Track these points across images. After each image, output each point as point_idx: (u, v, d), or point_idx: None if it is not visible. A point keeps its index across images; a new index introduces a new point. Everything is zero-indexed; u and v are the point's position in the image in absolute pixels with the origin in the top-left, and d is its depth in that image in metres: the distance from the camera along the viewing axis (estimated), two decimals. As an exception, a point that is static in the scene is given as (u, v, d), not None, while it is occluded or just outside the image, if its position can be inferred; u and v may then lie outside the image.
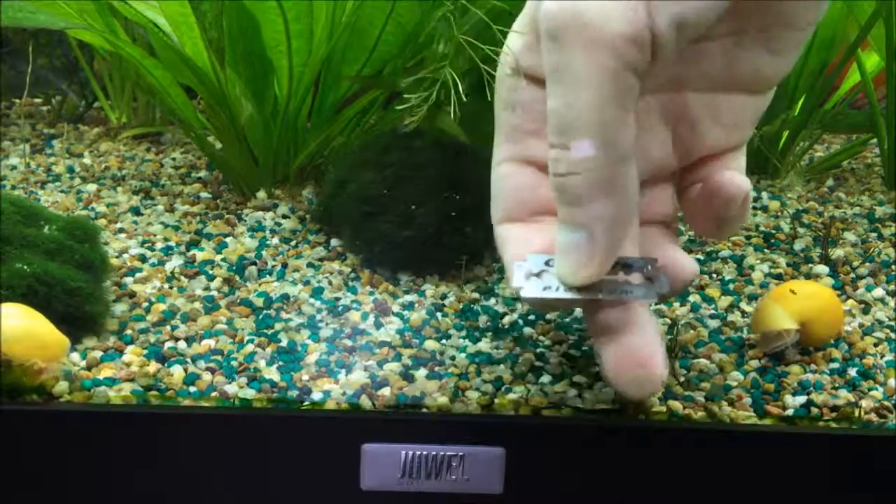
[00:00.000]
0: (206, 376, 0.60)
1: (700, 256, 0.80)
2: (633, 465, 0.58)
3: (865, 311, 0.73)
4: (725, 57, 0.55)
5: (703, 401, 0.60)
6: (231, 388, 0.59)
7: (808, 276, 0.78)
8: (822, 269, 0.79)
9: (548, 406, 0.59)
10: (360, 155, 0.78)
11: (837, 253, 0.82)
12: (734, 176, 0.56)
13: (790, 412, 0.60)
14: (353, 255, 0.77)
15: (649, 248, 0.57)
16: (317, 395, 0.59)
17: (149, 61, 0.82)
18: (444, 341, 0.66)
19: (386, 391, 0.59)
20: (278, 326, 0.67)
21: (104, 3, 0.82)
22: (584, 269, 0.52)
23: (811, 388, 0.62)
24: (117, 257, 0.75)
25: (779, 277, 0.77)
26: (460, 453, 0.57)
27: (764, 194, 0.96)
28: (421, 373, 0.62)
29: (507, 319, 0.69)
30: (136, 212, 0.85)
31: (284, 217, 0.84)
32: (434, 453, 0.57)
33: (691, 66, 0.55)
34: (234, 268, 0.74)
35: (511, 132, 0.58)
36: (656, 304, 0.57)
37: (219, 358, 0.62)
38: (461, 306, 0.71)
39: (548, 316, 0.70)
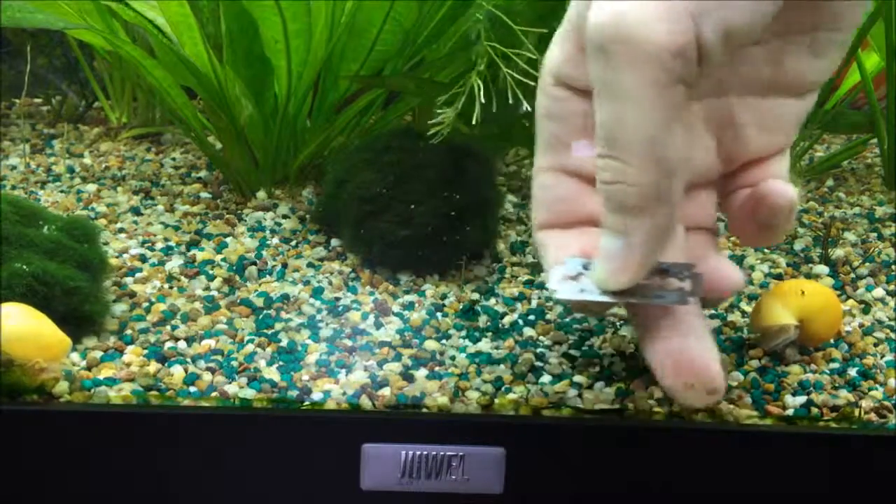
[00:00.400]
0: (206, 376, 0.60)
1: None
2: (633, 465, 0.58)
3: (865, 311, 0.73)
4: (768, 61, 0.55)
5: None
6: (231, 388, 0.59)
7: (808, 276, 0.78)
8: (822, 269, 0.79)
9: (548, 406, 0.59)
10: (359, 155, 0.78)
11: (837, 253, 0.82)
12: (780, 185, 0.56)
13: (790, 412, 0.60)
14: (353, 255, 0.77)
15: (692, 255, 0.57)
16: (317, 395, 0.59)
17: (149, 61, 0.82)
18: (444, 341, 0.66)
19: (386, 391, 0.59)
20: (278, 326, 0.67)
21: (104, 4, 0.82)
22: (619, 275, 0.52)
23: (811, 388, 0.62)
24: (117, 257, 0.75)
25: (779, 277, 0.77)
26: (460, 453, 0.57)
27: (764, 194, 0.96)
28: (421, 373, 0.62)
29: (507, 319, 0.69)
30: (136, 212, 0.85)
31: (284, 217, 0.84)
32: (434, 453, 0.57)
33: (734, 70, 0.55)
34: (234, 268, 0.74)
35: (553, 141, 0.58)
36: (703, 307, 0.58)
37: (219, 358, 0.62)
38: (461, 306, 0.71)
39: (548, 316, 0.70)
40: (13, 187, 0.90)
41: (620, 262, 0.52)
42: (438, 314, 0.70)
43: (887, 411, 0.60)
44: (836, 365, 0.65)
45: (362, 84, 0.86)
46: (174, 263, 0.75)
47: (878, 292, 0.75)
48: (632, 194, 0.49)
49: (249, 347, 0.64)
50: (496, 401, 0.59)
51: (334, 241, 0.79)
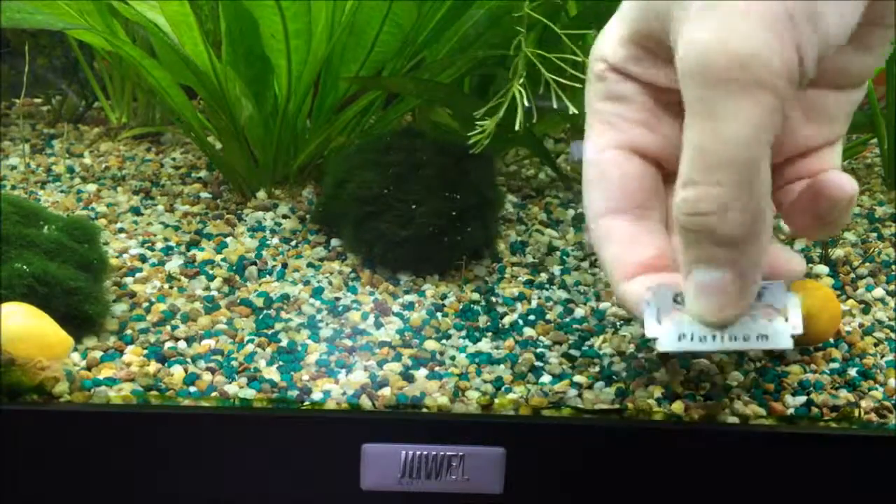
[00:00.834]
0: (206, 376, 0.60)
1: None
2: (633, 465, 0.58)
3: (865, 311, 0.73)
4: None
5: (703, 401, 0.60)
6: (231, 388, 0.59)
7: (808, 276, 0.78)
8: (822, 269, 0.79)
9: (548, 406, 0.59)
10: (360, 155, 0.78)
11: (837, 253, 0.82)
12: (840, 176, 0.55)
13: (790, 412, 0.60)
14: (353, 255, 0.77)
15: None
16: (317, 395, 0.59)
17: (149, 61, 0.82)
18: (444, 341, 0.66)
19: (386, 391, 0.59)
20: (278, 326, 0.67)
21: (104, 3, 0.82)
22: (730, 307, 0.51)
23: (811, 388, 0.62)
24: (117, 257, 0.75)
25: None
26: (460, 453, 0.57)
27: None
28: (421, 373, 0.62)
29: (507, 319, 0.69)
30: (136, 212, 0.85)
31: (284, 217, 0.84)
32: (434, 453, 0.57)
33: None
34: (234, 268, 0.74)
35: (615, 121, 0.56)
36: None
37: (219, 358, 0.62)
38: (461, 306, 0.71)
39: (548, 316, 0.70)
40: (13, 187, 0.90)
41: (728, 296, 0.50)
42: (438, 314, 0.70)
43: (887, 411, 0.60)
44: (836, 365, 0.65)
45: (362, 85, 0.86)
46: (174, 263, 0.75)
47: (878, 292, 0.75)
48: (737, 221, 0.48)
49: (249, 347, 0.64)
50: (496, 401, 0.59)
51: (334, 241, 0.79)
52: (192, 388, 0.59)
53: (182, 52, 0.81)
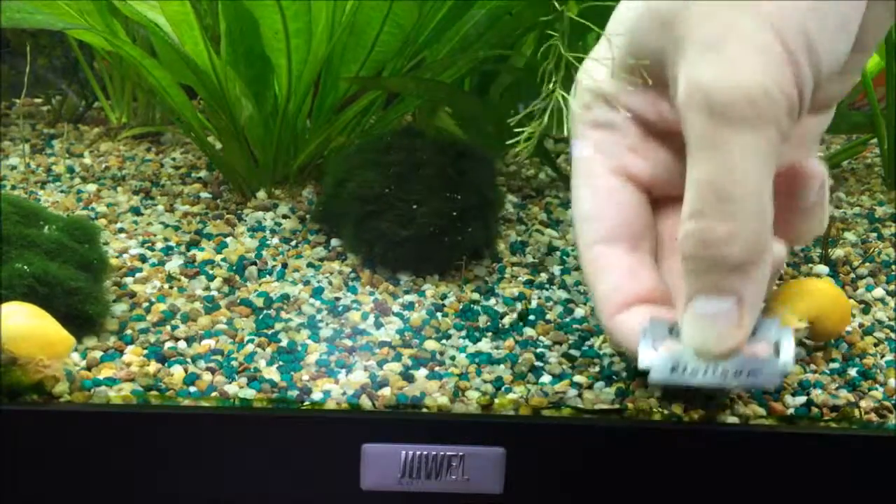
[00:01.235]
0: (206, 376, 0.60)
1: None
2: (633, 465, 0.58)
3: (865, 311, 0.73)
4: None
5: (703, 401, 0.60)
6: (231, 388, 0.59)
7: (808, 277, 0.78)
8: (822, 269, 0.79)
9: (548, 406, 0.59)
10: (360, 155, 0.78)
11: (837, 253, 0.82)
12: (812, 161, 0.57)
13: (790, 412, 0.60)
14: (354, 255, 0.77)
15: None
16: (317, 395, 0.59)
17: (149, 61, 0.82)
18: (444, 341, 0.66)
19: (386, 391, 0.59)
20: (278, 326, 0.67)
21: (104, 3, 0.82)
22: (733, 335, 0.52)
23: (811, 388, 0.62)
24: (117, 257, 0.75)
25: (779, 277, 0.77)
26: (460, 453, 0.57)
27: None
28: (421, 373, 0.62)
29: (507, 319, 0.69)
30: (136, 212, 0.85)
31: (284, 217, 0.84)
32: (434, 453, 0.57)
33: None
34: (234, 268, 0.74)
35: (606, 149, 0.57)
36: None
37: (219, 358, 0.62)
38: (461, 306, 0.71)
39: (548, 316, 0.70)
40: (13, 187, 0.90)
41: (728, 326, 0.51)
42: (438, 314, 0.70)
43: (887, 411, 0.60)
44: (836, 365, 0.65)
45: (362, 85, 0.86)
46: (174, 263, 0.75)
47: (878, 292, 0.75)
48: (744, 251, 0.49)
49: (249, 347, 0.64)
50: (496, 401, 0.59)
51: (334, 241, 0.79)
52: (192, 388, 0.59)
53: (182, 52, 0.81)
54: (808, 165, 0.56)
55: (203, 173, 0.95)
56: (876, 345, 0.68)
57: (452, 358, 0.64)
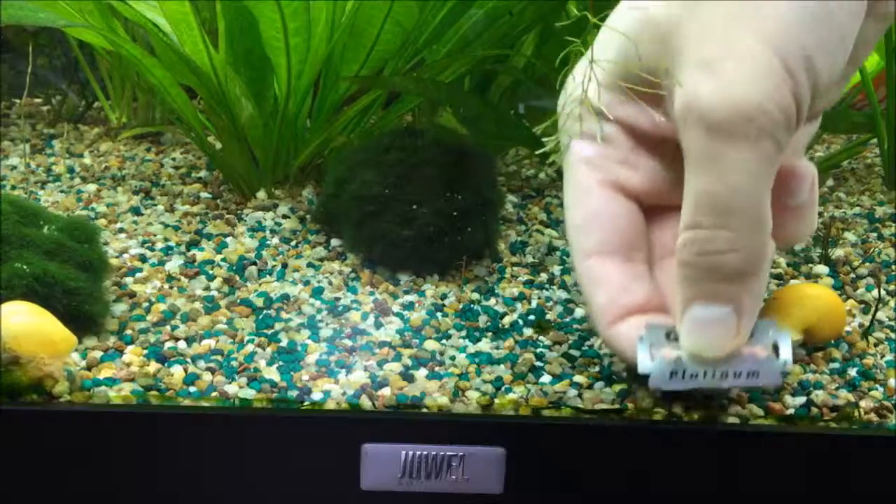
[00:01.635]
0: (206, 376, 0.60)
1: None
2: (633, 465, 0.58)
3: (865, 311, 0.73)
4: None
5: (703, 401, 0.60)
6: (231, 388, 0.59)
7: (808, 276, 0.78)
8: (822, 269, 0.79)
9: (548, 406, 0.59)
10: (360, 155, 0.78)
11: (837, 253, 0.82)
12: (803, 160, 0.57)
13: (790, 412, 0.60)
14: (354, 255, 0.77)
15: None
16: (317, 395, 0.59)
17: (149, 60, 0.82)
18: (444, 341, 0.66)
19: (386, 391, 0.59)
20: (278, 326, 0.67)
21: (104, 3, 0.82)
22: (730, 341, 0.53)
23: (811, 388, 0.62)
24: (117, 257, 0.75)
25: (779, 277, 0.77)
26: (460, 453, 0.57)
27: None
28: (421, 373, 0.62)
29: (507, 319, 0.69)
30: (136, 212, 0.85)
31: (284, 217, 0.84)
32: (434, 453, 0.57)
33: None
34: (234, 268, 0.74)
35: (598, 161, 0.58)
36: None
37: (219, 358, 0.62)
38: (461, 306, 0.71)
39: (548, 316, 0.70)
40: (13, 187, 0.90)
41: (725, 332, 0.52)
42: (438, 314, 0.70)
43: (887, 411, 0.60)
44: (836, 365, 0.65)
45: (362, 84, 0.86)
46: (174, 263, 0.75)
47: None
48: (742, 260, 0.50)
49: (249, 347, 0.64)
50: (496, 401, 0.59)
51: (334, 241, 0.79)
52: (192, 388, 0.59)
53: (182, 52, 0.81)
54: (798, 166, 0.57)
55: (203, 173, 0.95)
56: (876, 345, 0.68)
57: (452, 358, 0.64)
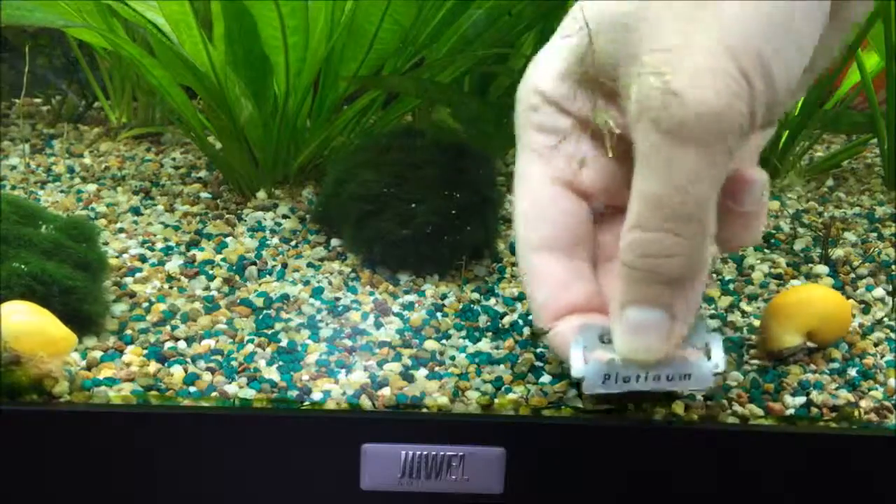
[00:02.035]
0: (206, 376, 0.60)
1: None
2: (633, 465, 0.58)
3: (865, 311, 0.73)
4: None
5: (703, 401, 0.60)
6: (231, 388, 0.59)
7: (808, 276, 0.78)
8: (822, 269, 0.79)
9: (548, 406, 0.59)
10: (360, 154, 0.78)
11: (837, 253, 0.82)
12: (753, 167, 0.57)
13: (790, 412, 0.60)
14: (353, 255, 0.77)
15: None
16: (317, 395, 0.59)
17: (148, 60, 0.82)
18: (444, 341, 0.66)
19: (386, 391, 0.59)
20: (278, 326, 0.67)
21: (104, 3, 0.82)
22: (663, 346, 0.52)
23: (811, 388, 0.62)
24: (117, 257, 0.75)
25: (779, 277, 0.77)
26: (460, 453, 0.57)
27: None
28: (421, 373, 0.62)
29: (507, 319, 0.69)
30: (136, 212, 0.85)
31: (284, 217, 0.84)
32: (434, 453, 0.57)
33: None
34: (234, 268, 0.74)
35: (549, 154, 0.57)
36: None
37: (219, 358, 0.62)
38: (461, 306, 0.71)
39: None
40: (13, 187, 0.90)
41: (661, 335, 0.51)
42: (438, 314, 0.70)
43: (887, 411, 0.60)
44: (836, 365, 0.65)
45: (361, 84, 0.86)
46: (174, 263, 0.75)
47: (878, 292, 0.75)
48: (682, 265, 0.49)
49: (249, 347, 0.64)
50: (496, 401, 0.59)
51: (334, 241, 0.79)
52: (192, 388, 0.59)
53: (181, 53, 0.81)
54: (749, 173, 0.56)
55: (203, 173, 0.95)
56: (876, 345, 0.68)
57: (452, 358, 0.64)
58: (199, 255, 0.76)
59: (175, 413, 0.57)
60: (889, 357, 0.66)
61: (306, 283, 0.73)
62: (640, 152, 0.49)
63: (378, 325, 0.68)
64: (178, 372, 0.60)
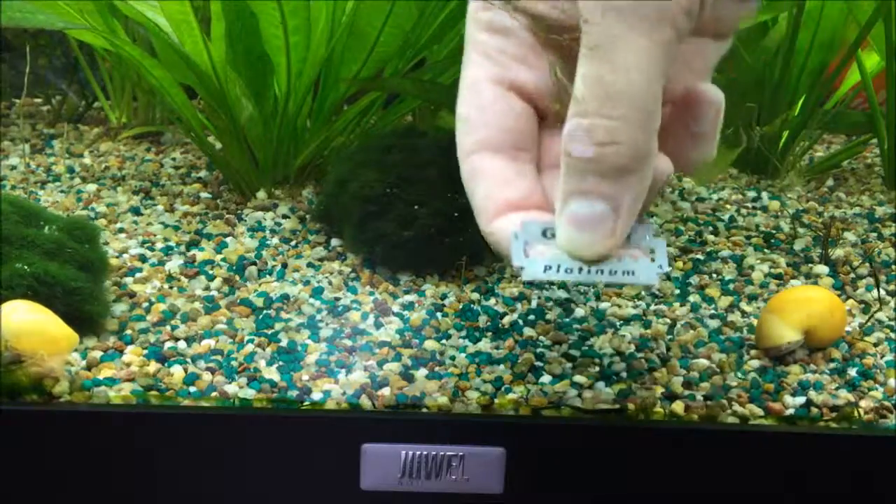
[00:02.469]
0: (206, 376, 0.60)
1: (700, 256, 0.80)
2: (633, 465, 0.58)
3: (865, 311, 0.73)
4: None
5: (703, 401, 0.60)
6: (231, 388, 0.59)
7: (808, 276, 0.78)
8: (822, 269, 0.79)
9: (548, 406, 0.59)
10: (361, 155, 0.78)
11: (837, 253, 0.82)
12: (709, 86, 0.55)
13: (790, 412, 0.60)
14: (354, 255, 0.77)
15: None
16: (317, 395, 0.59)
17: (149, 61, 0.82)
18: (443, 341, 0.66)
19: (386, 391, 0.59)
20: (278, 326, 0.67)
21: (104, 3, 0.82)
22: (606, 241, 0.51)
23: (811, 388, 0.62)
24: (117, 257, 0.75)
25: (779, 277, 0.77)
26: (460, 453, 0.57)
27: (764, 194, 0.96)
28: (421, 373, 0.62)
29: (507, 319, 0.69)
30: (136, 212, 0.85)
31: (284, 217, 0.84)
32: (434, 453, 0.57)
33: None
34: (234, 268, 0.74)
35: (495, 55, 0.55)
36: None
37: (219, 358, 0.62)
38: (461, 306, 0.71)
39: (548, 316, 0.70)
40: (13, 187, 0.90)
41: (605, 229, 0.50)
42: (438, 314, 0.70)
43: (887, 411, 0.60)
44: (835, 365, 0.65)
45: (362, 86, 0.86)
46: (174, 263, 0.75)
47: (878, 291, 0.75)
48: (626, 154, 0.48)
49: (249, 347, 0.64)
50: (496, 401, 0.59)
51: (334, 241, 0.79)
52: (192, 388, 0.59)
53: (182, 52, 0.81)
54: (705, 90, 0.55)
55: (203, 173, 0.95)
56: (876, 345, 0.68)
57: (452, 358, 0.64)
58: (199, 255, 0.76)
59: (175, 413, 0.57)
60: (889, 357, 0.66)
61: (306, 283, 0.73)
62: (588, 36, 0.48)
63: (378, 325, 0.68)
64: (178, 372, 0.60)
